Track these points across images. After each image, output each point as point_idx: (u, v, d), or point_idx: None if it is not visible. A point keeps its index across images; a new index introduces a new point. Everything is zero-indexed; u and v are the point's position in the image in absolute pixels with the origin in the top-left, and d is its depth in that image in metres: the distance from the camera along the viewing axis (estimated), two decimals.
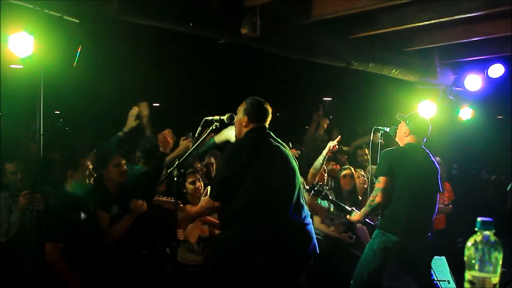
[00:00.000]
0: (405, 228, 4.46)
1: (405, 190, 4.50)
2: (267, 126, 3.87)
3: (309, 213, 3.86)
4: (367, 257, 4.59)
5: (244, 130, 3.84)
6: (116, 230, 4.43)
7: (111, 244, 4.42)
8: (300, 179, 3.86)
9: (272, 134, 3.87)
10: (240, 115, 3.85)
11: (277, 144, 3.83)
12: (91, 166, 4.33)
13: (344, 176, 5.97)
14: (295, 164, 3.87)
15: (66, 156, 4.68)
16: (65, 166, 4.30)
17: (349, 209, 4.97)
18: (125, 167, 4.78)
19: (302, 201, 3.80)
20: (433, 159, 4.73)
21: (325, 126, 7.71)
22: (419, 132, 4.71)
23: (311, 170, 5.83)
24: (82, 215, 4.16)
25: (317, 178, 5.84)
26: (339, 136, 6.00)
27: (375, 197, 4.53)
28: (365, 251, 4.67)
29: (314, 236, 3.78)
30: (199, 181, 5.05)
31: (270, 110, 3.89)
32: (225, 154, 3.87)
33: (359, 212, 4.82)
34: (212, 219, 4.57)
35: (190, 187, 5.03)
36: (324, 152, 5.78)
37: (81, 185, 4.23)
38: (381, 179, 4.53)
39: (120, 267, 4.35)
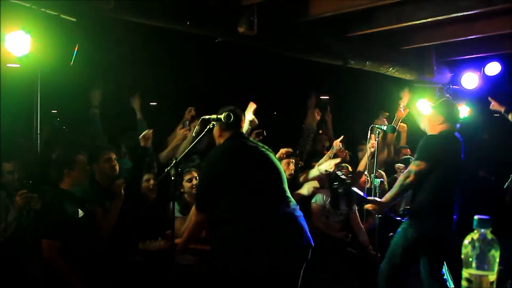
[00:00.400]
0: (446, 215, 4.52)
1: (446, 177, 4.52)
2: (242, 131, 4.04)
3: (297, 205, 3.90)
4: (399, 245, 4.59)
5: (220, 140, 3.97)
6: (109, 219, 4.47)
7: (108, 236, 4.44)
8: (284, 174, 3.95)
9: (248, 137, 4.08)
10: (216, 127, 3.98)
11: (254, 144, 3.99)
12: (86, 162, 4.34)
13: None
14: (276, 160, 4.00)
15: (62, 155, 4.67)
16: (61, 165, 4.29)
17: (371, 198, 4.83)
18: (115, 161, 4.80)
19: (289, 194, 3.87)
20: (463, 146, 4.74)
21: (318, 117, 7.55)
22: (453, 119, 4.71)
23: (315, 171, 5.75)
24: (80, 213, 4.17)
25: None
26: (342, 136, 6.00)
27: (408, 177, 4.50)
28: (397, 241, 4.64)
29: (307, 227, 3.80)
30: (196, 179, 5.05)
31: (242, 117, 4.03)
32: (203, 164, 4.03)
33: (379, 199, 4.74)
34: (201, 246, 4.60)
35: (187, 185, 5.06)
36: (330, 152, 5.78)
37: (78, 183, 4.23)
38: (420, 163, 4.49)
39: (117, 267, 4.36)
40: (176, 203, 4.88)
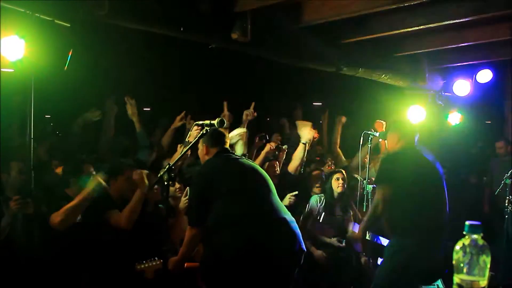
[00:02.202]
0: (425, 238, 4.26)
1: (416, 195, 4.26)
2: (227, 147, 4.16)
3: (288, 212, 3.95)
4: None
5: (206, 157, 4.11)
6: (131, 211, 4.33)
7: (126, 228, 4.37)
8: (272, 182, 4.05)
9: (232, 152, 4.21)
10: (201, 146, 4.14)
11: (239, 157, 4.15)
12: (94, 172, 4.30)
13: (337, 178, 5.98)
14: (262, 170, 4.12)
15: (69, 164, 4.60)
16: (69, 173, 4.27)
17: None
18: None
19: (279, 201, 3.95)
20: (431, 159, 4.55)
21: (313, 134, 7.62)
22: (408, 135, 4.59)
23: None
24: (79, 218, 4.15)
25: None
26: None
27: (376, 206, 4.35)
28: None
29: (299, 233, 3.82)
30: (178, 182, 5.07)
31: (226, 134, 4.23)
32: (193, 181, 4.18)
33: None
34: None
35: (171, 189, 4.92)
36: None
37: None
38: (383, 188, 4.35)
39: (111, 270, 4.34)
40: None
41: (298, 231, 3.81)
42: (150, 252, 4.40)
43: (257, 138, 6.38)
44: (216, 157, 4.05)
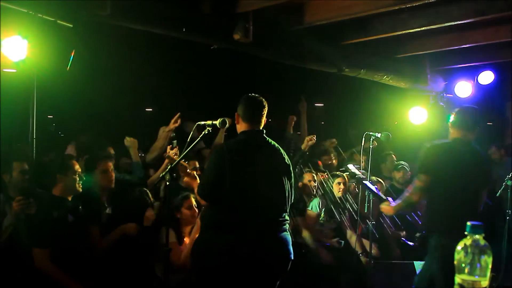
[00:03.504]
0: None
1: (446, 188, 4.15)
2: (260, 127, 3.87)
3: (288, 219, 3.88)
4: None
5: (238, 127, 3.91)
6: (105, 243, 4.44)
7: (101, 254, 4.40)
8: (286, 184, 3.84)
9: (265, 136, 3.89)
10: (237, 111, 3.91)
11: (267, 147, 3.87)
12: (80, 170, 4.31)
13: (338, 183, 6.00)
14: (285, 168, 3.88)
15: (55, 160, 4.64)
16: (54, 170, 4.27)
17: (384, 197, 4.78)
18: (113, 173, 4.73)
19: (286, 208, 3.83)
20: (478, 154, 4.37)
21: (293, 123, 7.60)
22: (461, 125, 4.33)
23: None
24: (70, 218, 4.15)
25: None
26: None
27: (413, 194, 4.28)
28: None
29: (290, 242, 3.79)
30: (196, 207, 4.75)
31: (263, 108, 3.89)
32: (212, 154, 4.00)
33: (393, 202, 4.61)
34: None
35: (186, 212, 4.71)
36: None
37: (70, 189, 4.21)
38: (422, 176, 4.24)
39: (109, 271, 4.35)
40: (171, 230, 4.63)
41: (289, 240, 3.79)
42: (149, 254, 4.44)
43: None
44: (246, 137, 3.83)
